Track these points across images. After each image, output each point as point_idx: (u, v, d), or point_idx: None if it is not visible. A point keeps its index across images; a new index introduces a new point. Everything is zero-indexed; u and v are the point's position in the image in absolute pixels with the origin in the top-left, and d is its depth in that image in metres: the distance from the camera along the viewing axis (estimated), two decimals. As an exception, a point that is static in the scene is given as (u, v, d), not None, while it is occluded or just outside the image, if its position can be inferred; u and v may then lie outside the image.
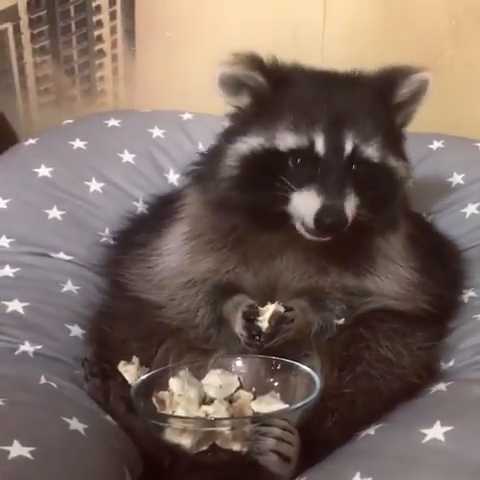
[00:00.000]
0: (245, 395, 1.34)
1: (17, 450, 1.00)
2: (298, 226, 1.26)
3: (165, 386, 1.32)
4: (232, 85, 1.30)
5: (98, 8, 2.16)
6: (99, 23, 2.18)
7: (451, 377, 1.29)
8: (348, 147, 1.24)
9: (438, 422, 1.10)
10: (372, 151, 1.27)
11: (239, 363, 1.37)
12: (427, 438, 1.09)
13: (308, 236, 1.26)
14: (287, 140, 1.26)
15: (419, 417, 1.15)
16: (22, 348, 1.34)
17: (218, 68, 1.29)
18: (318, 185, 1.22)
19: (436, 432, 1.09)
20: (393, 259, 1.38)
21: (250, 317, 1.27)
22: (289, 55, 2.03)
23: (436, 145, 1.89)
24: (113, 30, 2.19)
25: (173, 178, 1.88)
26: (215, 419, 1.25)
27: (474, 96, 2.04)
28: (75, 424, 1.14)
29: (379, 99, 1.32)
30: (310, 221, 1.21)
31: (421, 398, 1.23)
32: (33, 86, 2.28)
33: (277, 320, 1.25)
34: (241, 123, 1.33)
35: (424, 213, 1.75)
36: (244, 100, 1.33)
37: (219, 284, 1.38)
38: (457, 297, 1.52)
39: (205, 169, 1.42)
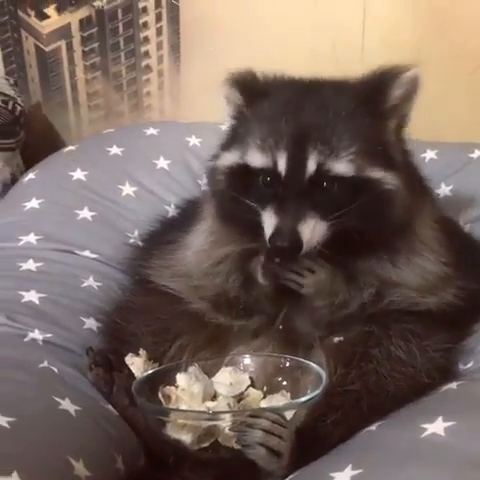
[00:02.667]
0: (255, 393, 1.30)
1: (-5, 418, 1.00)
2: None
3: (173, 381, 1.29)
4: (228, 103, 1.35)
5: (145, 24, 2.23)
6: (146, 39, 2.25)
7: (465, 377, 1.22)
8: (311, 166, 1.20)
9: (440, 418, 1.04)
10: (344, 166, 1.21)
11: (248, 361, 1.34)
12: (426, 432, 1.03)
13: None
14: (255, 159, 1.26)
15: (422, 413, 1.09)
16: (31, 335, 1.35)
17: (221, 88, 1.34)
18: (276, 207, 1.21)
19: (437, 427, 1.03)
20: (419, 252, 1.32)
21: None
22: (329, 64, 2.03)
23: (477, 154, 1.82)
24: (159, 46, 2.25)
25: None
26: (213, 412, 1.21)
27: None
28: (67, 404, 1.14)
29: (363, 106, 1.25)
30: (267, 243, 1.21)
31: (429, 396, 1.16)
32: (84, 102, 2.36)
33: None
34: (226, 138, 1.37)
35: (461, 222, 1.68)
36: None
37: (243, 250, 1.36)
38: None
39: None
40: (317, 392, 1.18)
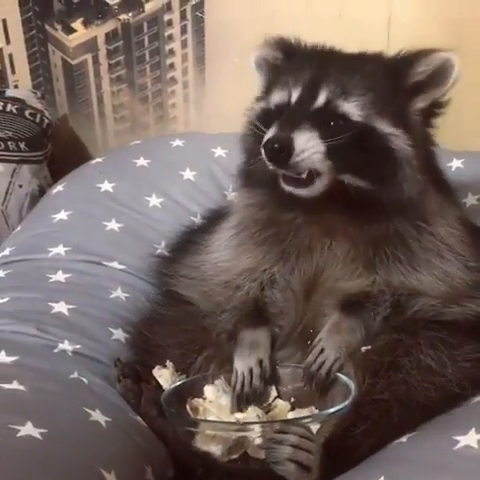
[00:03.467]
0: (282, 405, 1.30)
1: (28, 430, 1.02)
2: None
3: (200, 393, 1.30)
4: (262, 66, 1.39)
5: (170, 37, 2.24)
6: (171, 51, 2.26)
7: (500, 388, 1.20)
8: (320, 99, 1.24)
9: (473, 429, 1.03)
10: (351, 107, 1.23)
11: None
12: (459, 445, 1.02)
13: (284, 186, 1.25)
14: (275, 97, 1.30)
15: (454, 424, 1.08)
16: (61, 346, 1.36)
17: (253, 52, 1.39)
18: (277, 122, 1.22)
19: (470, 439, 1.02)
20: (439, 253, 1.29)
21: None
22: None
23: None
24: (184, 58, 2.26)
25: (232, 195, 1.89)
26: (243, 422, 1.21)
27: None
28: (97, 416, 1.15)
29: (388, 73, 1.27)
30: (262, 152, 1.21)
31: (461, 407, 1.15)
32: (110, 114, 2.38)
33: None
34: (260, 94, 1.40)
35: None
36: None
37: (250, 300, 1.35)
38: None
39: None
40: (345, 403, 1.18)
